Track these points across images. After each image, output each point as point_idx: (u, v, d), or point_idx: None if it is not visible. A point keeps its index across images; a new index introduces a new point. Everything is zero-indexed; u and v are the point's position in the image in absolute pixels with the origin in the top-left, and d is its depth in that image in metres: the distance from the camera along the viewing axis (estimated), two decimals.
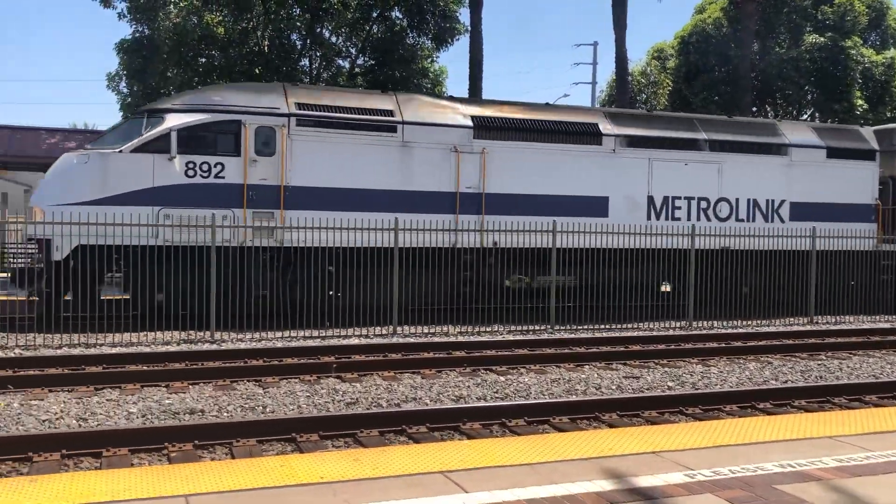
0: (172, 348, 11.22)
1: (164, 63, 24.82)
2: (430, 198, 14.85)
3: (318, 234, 13.39)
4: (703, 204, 16.90)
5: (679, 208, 16.70)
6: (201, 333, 12.48)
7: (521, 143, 15.50)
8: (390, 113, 14.80)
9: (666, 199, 16.61)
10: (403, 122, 14.78)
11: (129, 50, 26.00)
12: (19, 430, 6.91)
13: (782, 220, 17.34)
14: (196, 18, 26.95)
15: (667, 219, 16.51)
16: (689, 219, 16.56)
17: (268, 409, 7.76)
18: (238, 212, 13.66)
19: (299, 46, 27.89)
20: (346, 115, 14.48)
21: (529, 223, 14.69)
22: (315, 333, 12.87)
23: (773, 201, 17.41)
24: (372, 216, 14.06)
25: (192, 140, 13.57)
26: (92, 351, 10.83)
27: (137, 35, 26.74)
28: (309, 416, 7.10)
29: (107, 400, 8.07)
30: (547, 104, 16.97)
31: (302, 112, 14.23)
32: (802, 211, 17.54)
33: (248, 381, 9.09)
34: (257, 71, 25.60)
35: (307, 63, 28.80)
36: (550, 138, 15.71)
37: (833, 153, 17.88)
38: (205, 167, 13.60)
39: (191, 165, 13.52)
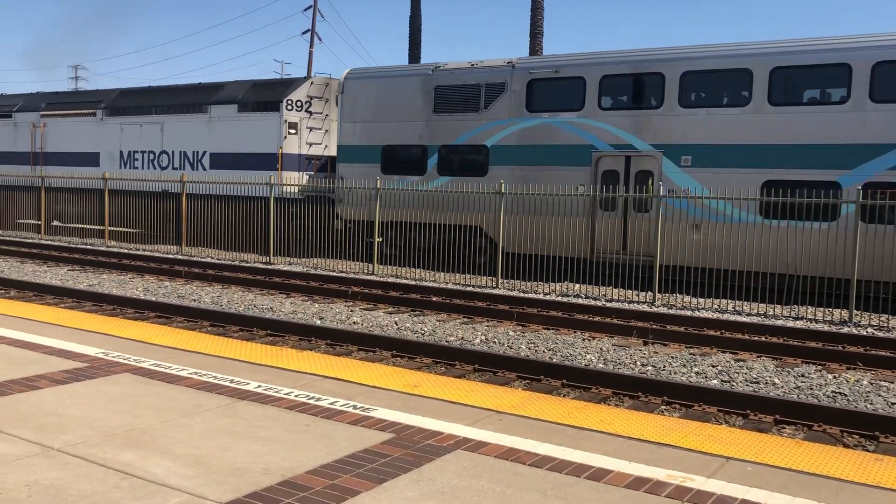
0: None
1: None
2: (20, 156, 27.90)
3: None
4: (151, 156, 24.36)
5: (137, 160, 24.71)
6: None
7: (65, 119, 26.38)
8: (11, 106, 28.16)
9: (131, 153, 24.89)
10: (16, 111, 27.60)
11: None
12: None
13: (205, 169, 22.84)
14: None
15: (131, 168, 24.71)
16: (143, 168, 24.33)
17: None
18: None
19: None
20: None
21: (77, 171, 25.13)
22: None
23: (198, 152, 23.23)
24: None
25: None
26: None
27: None
28: None
29: None
30: (125, 90, 26.54)
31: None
32: (220, 160, 22.67)
33: None
34: None
35: None
36: (74, 114, 26.18)
37: (243, 107, 22.39)
38: None
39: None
